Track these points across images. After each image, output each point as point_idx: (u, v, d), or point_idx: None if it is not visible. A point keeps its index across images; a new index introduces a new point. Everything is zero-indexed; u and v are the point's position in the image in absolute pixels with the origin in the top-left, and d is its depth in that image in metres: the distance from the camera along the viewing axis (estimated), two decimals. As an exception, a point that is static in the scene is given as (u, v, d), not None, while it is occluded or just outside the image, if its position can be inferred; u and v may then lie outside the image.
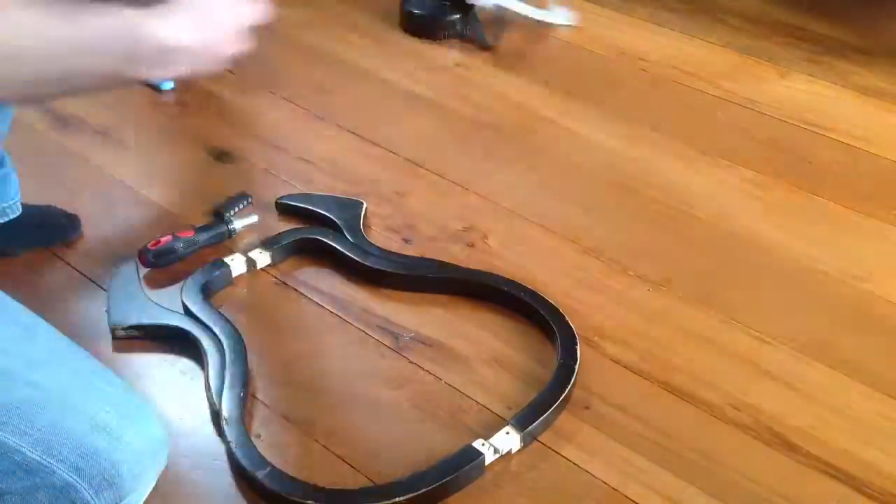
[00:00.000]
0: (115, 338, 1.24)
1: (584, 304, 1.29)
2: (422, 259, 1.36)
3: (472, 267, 1.34)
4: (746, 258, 1.36)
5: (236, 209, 1.41)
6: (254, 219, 1.41)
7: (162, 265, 1.34)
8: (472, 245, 1.40)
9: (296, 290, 1.33)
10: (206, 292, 1.29)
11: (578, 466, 1.10)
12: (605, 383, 1.19)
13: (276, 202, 1.45)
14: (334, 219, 1.40)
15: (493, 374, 1.21)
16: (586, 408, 1.16)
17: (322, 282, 1.34)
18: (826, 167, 1.55)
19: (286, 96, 1.66)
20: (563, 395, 1.14)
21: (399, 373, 1.21)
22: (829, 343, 1.23)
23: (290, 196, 1.46)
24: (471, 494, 1.07)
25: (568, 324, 1.23)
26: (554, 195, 1.48)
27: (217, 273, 1.31)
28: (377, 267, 1.33)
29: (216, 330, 1.22)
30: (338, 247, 1.35)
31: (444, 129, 1.64)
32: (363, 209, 1.42)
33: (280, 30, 1.93)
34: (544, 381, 1.19)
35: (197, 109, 1.66)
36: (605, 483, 1.08)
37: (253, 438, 1.12)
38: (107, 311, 1.26)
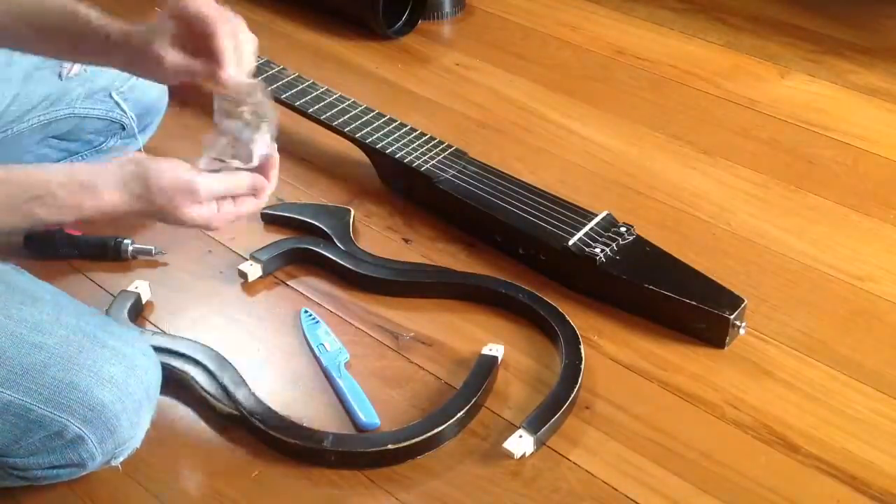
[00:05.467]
0: None
1: (584, 304, 1.29)
2: (417, 264, 1.35)
3: (471, 268, 1.34)
4: (746, 258, 1.36)
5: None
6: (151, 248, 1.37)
7: (35, 255, 1.34)
8: (472, 245, 1.40)
9: (294, 289, 1.33)
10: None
11: (578, 466, 1.10)
12: (606, 383, 1.19)
13: (262, 213, 1.42)
14: (323, 227, 1.39)
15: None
16: (586, 408, 1.16)
17: (319, 283, 1.34)
18: (826, 167, 1.55)
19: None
20: (572, 397, 1.14)
21: (399, 373, 1.21)
22: (829, 343, 1.23)
23: (275, 206, 1.43)
24: (470, 493, 1.07)
25: (570, 323, 1.23)
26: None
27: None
28: (372, 274, 1.32)
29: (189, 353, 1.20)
30: (330, 255, 1.34)
31: (444, 129, 1.64)
32: (351, 216, 1.41)
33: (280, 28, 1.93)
34: (545, 380, 1.19)
35: (198, 109, 1.65)
36: (605, 483, 1.08)
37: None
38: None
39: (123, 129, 1.46)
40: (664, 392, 1.18)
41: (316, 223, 1.40)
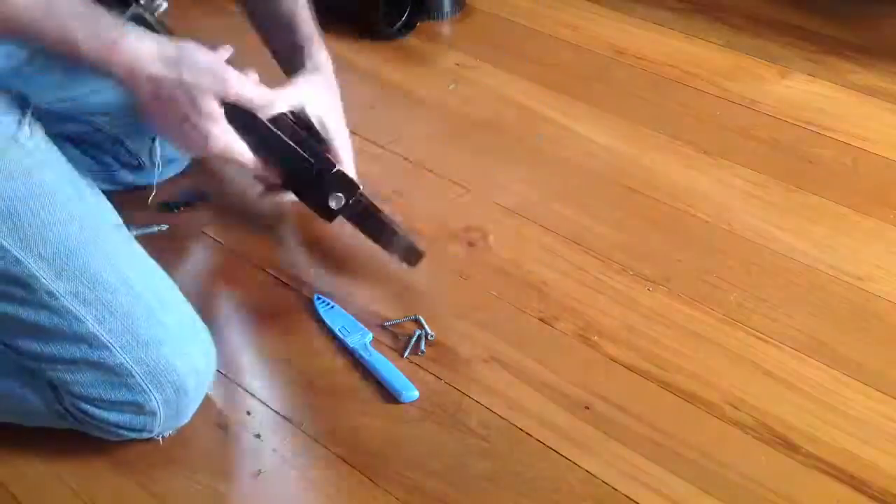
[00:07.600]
0: None
1: (584, 304, 1.30)
2: None
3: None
4: (746, 258, 1.36)
5: None
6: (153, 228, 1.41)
7: None
8: (472, 245, 1.40)
9: (289, 286, 1.34)
10: None
11: (578, 466, 1.10)
12: (605, 383, 1.19)
13: None
14: None
15: (494, 374, 1.21)
16: (586, 408, 1.16)
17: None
18: (826, 167, 1.55)
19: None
20: None
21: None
22: (829, 343, 1.23)
23: None
24: (468, 493, 1.07)
25: None
26: (554, 195, 1.48)
27: None
28: None
29: None
30: None
31: (444, 129, 1.64)
32: None
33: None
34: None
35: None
36: (604, 482, 1.08)
37: (253, 438, 1.13)
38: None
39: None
40: (664, 392, 1.18)
41: None
